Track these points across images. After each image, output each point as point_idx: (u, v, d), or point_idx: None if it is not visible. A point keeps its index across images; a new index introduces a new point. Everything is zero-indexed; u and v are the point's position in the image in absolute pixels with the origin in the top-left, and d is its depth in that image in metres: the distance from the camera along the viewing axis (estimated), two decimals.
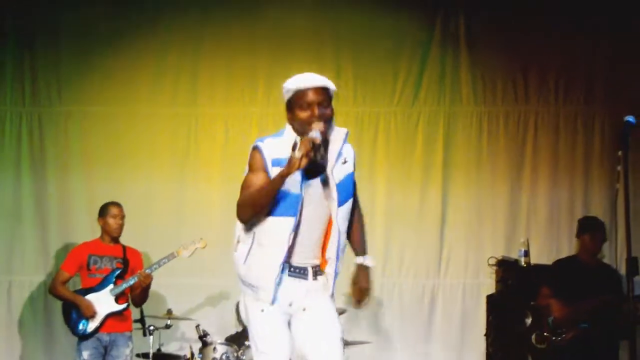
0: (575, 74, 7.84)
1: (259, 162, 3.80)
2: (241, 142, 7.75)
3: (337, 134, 3.87)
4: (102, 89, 7.94)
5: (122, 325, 6.60)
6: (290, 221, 3.76)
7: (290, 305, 3.88)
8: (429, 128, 7.83)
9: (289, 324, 3.93)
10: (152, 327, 6.65)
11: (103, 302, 6.53)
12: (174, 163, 7.86)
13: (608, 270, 6.85)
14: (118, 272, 6.62)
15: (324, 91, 3.78)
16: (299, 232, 3.81)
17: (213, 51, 7.94)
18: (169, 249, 6.75)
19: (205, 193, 7.76)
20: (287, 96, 3.82)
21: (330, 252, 3.89)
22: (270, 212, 3.76)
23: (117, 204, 6.80)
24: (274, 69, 7.69)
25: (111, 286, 6.57)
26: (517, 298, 6.85)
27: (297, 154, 3.55)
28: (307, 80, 3.79)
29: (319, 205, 3.84)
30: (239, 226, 3.88)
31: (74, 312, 6.55)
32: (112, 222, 6.72)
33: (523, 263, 7.16)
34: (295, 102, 3.78)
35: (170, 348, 7.15)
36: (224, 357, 6.33)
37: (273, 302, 3.82)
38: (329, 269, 3.91)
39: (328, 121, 3.78)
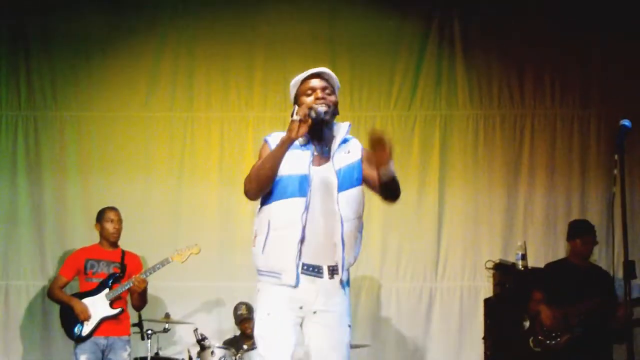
0: (570, 77, 7.84)
1: (266, 151, 3.98)
2: (237, 146, 7.78)
3: (341, 128, 4.07)
4: (97, 93, 7.92)
5: (119, 329, 6.61)
6: (300, 202, 3.87)
7: (301, 308, 3.91)
8: (425, 131, 7.84)
9: (301, 325, 3.96)
10: (150, 331, 6.65)
11: (98, 306, 6.56)
12: (170, 167, 7.85)
13: (599, 272, 6.87)
14: (115, 276, 6.64)
15: (326, 78, 4.00)
16: (310, 216, 3.88)
17: (209, 55, 7.94)
18: (166, 253, 6.75)
19: (201, 197, 7.76)
20: (293, 92, 4.03)
21: (336, 237, 3.92)
22: (278, 197, 3.90)
23: (114, 209, 6.82)
24: (270, 73, 7.70)
25: (107, 290, 6.59)
26: (514, 302, 6.85)
27: (296, 117, 3.75)
28: (311, 71, 4.01)
29: (323, 191, 3.93)
30: (255, 222, 3.99)
31: (69, 316, 6.59)
32: (108, 226, 6.74)
33: (520, 266, 7.17)
34: (301, 92, 3.99)
35: (168, 352, 7.14)
36: None
37: (297, 283, 3.86)
38: (337, 257, 3.92)
39: (331, 106, 3.96)
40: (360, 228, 4.05)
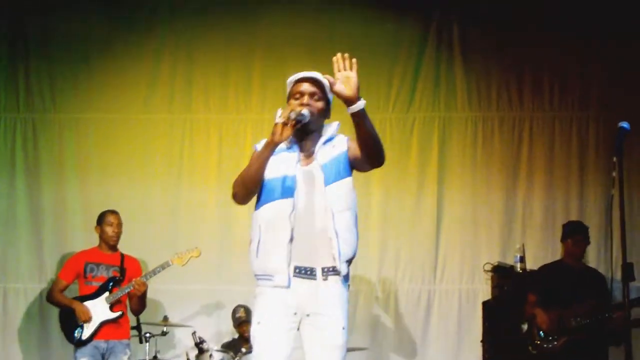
0: (569, 79, 7.84)
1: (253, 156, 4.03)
2: (236, 149, 7.77)
3: (329, 127, 4.10)
4: (96, 95, 7.92)
5: (119, 333, 6.61)
6: (287, 203, 3.89)
7: (295, 314, 3.91)
8: (424, 134, 7.83)
9: (299, 329, 3.96)
10: (148, 334, 6.65)
11: (98, 310, 6.55)
12: (169, 169, 7.85)
13: (593, 273, 6.88)
14: (115, 280, 6.63)
15: (316, 84, 4.01)
16: (299, 216, 3.89)
17: (208, 57, 7.94)
18: (165, 255, 6.75)
19: (200, 199, 7.75)
20: (289, 87, 4.06)
21: (330, 231, 3.90)
22: (267, 199, 3.94)
23: (114, 212, 6.81)
24: (268, 76, 7.70)
25: (107, 294, 6.58)
26: (513, 304, 6.85)
27: (278, 120, 3.78)
28: (304, 74, 4.03)
29: (314, 189, 3.94)
30: (251, 227, 3.99)
31: (69, 320, 6.58)
32: (108, 230, 6.74)
33: (519, 269, 7.16)
34: (290, 93, 4.02)
35: (166, 355, 7.13)
36: None
37: (289, 284, 3.87)
38: (334, 251, 3.90)
39: (317, 113, 3.99)
40: (354, 221, 4.01)
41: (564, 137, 7.79)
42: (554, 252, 7.29)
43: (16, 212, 7.79)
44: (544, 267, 6.94)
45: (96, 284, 6.64)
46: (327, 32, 7.88)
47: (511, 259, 7.29)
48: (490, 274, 7.42)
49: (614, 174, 4.19)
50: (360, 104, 3.80)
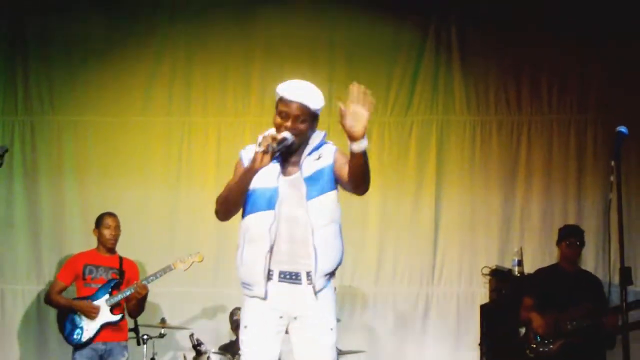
0: (568, 82, 7.85)
1: (238, 167, 4.06)
2: (234, 151, 7.61)
3: (316, 136, 4.06)
4: (94, 97, 7.93)
5: (118, 335, 6.61)
6: (268, 215, 3.92)
7: (281, 317, 3.96)
8: (422, 137, 7.84)
9: (287, 331, 4.00)
10: (145, 336, 6.65)
11: (99, 312, 6.54)
12: (168, 171, 7.85)
13: (589, 276, 6.89)
14: (114, 282, 6.63)
15: (304, 107, 3.92)
16: (281, 227, 3.92)
17: (206, 60, 7.94)
18: (162, 258, 6.76)
19: (198, 202, 7.74)
20: (276, 97, 4.00)
21: (310, 246, 3.93)
22: (250, 210, 3.96)
23: (112, 215, 6.81)
24: (267, 78, 7.69)
25: (107, 296, 6.57)
26: (510, 308, 6.85)
27: (259, 149, 3.76)
28: (292, 92, 3.94)
29: (296, 200, 3.94)
30: (239, 234, 4.04)
31: (68, 322, 6.56)
32: (106, 233, 6.73)
33: (517, 273, 7.17)
34: (279, 105, 3.97)
35: (164, 357, 7.14)
36: None
37: (265, 296, 3.92)
38: (311, 267, 3.93)
39: (301, 135, 3.94)
40: (337, 233, 4.03)
41: (562, 141, 7.79)
42: (551, 256, 7.29)
43: (14, 214, 7.79)
44: (540, 271, 6.94)
45: (95, 286, 6.62)
46: (326, 35, 7.89)
47: (509, 262, 7.30)
48: (488, 277, 7.43)
49: (612, 178, 4.20)
50: (364, 144, 3.68)
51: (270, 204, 3.92)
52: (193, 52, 7.93)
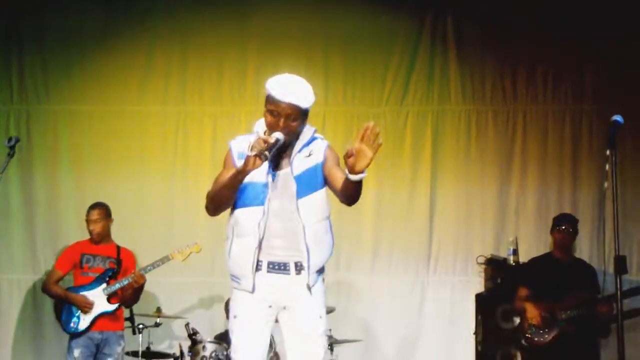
0: (563, 72, 7.85)
1: (228, 159, 4.03)
2: (230, 140, 7.75)
3: (307, 132, 4.03)
4: (90, 87, 7.91)
5: (114, 324, 6.62)
6: (258, 210, 3.92)
7: (270, 307, 3.98)
8: (417, 127, 7.84)
9: (277, 320, 4.03)
10: (141, 326, 6.65)
11: (96, 301, 6.55)
12: (163, 161, 7.85)
13: (583, 265, 6.91)
14: (111, 272, 6.63)
15: (295, 106, 3.89)
16: (270, 222, 3.93)
17: (202, 49, 7.93)
18: (158, 248, 6.76)
19: (194, 191, 7.71)
20: (266, 92, 3.96)
21: (300, 243, 3.95)
22: (240, 205, 3.96)
23: (96, 207, 6.76)
24: (263, 68, 7.66)
25: (104, 285, 6.58)
26: (505, 297, 6.87)
27: (251, 153, 3.71)
28: (283, 91, 3.89)
29: (286, 196, 3.95)
30: (227, 225, 4.04)
31: (65, 311, 6.57)
32: (88, 225, 6.73)
33: (512, 262, 7.19)
34: (269, 103, 3.93)
35: (159, 346, 7.14)
36: (213, 355, 6.33)
37: (253, 290, 3.93)
38: (304, 262, 3.96)
39: (292, 132, 3.92)
40: (327, 229, 4.05)
41: (558, 130, 7.80)
42: (547, 245, 7.31)
43: (9, 204, 7.78)
44: (534, 261, 6.96)
45: (92, 275, 6.64)
46: (322, 25, 7.88)
47: (504, 252, 7.31)
48: (483, 266, 7.44)
49: (607, 166, 4.21)
50: (362, 176, 3.64)
51: (259, 199, 3.92)
52: (188, 41, 7.91)
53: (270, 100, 3.91)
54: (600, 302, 6.37)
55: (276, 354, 6.35)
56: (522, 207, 7.73)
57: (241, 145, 3.95)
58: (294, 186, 3.94)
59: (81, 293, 6.57)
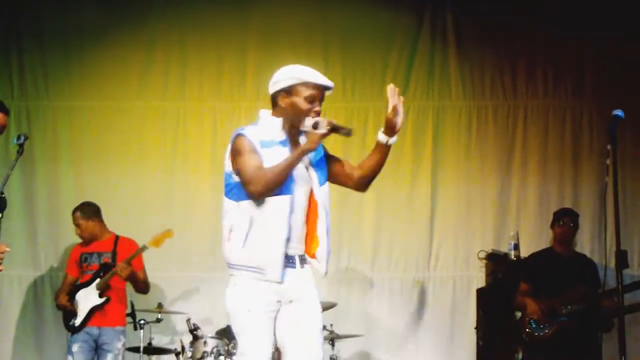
0: (563, 67, 7.85)
1: (248, 144, 3.92)
2: (230, 136, 7.71)
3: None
4: (90, 83, 7.92)
5: (109, 319, 6.64)
6: (287, 199, 3.88)
7: (278, 301, 3.95)
8: (418, 122, 7.83)
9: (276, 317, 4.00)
10: (142, 321, 6.65)
11: (90, 297, 6.62)
12: (163, 157, 7.85)
13: (583, 260, 6.91)
14: (106, 266, 6.66)
15: (325, 91, 3.97)
16: (294, 213, 3.92)
17: (202, 45, 7.93)
18: None
19: (194, 186, 7.75)
20: (289, 82, 3.95)
21: (320, 229, 3.97)
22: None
23: (75, 210, 6.83)
24: (262, 63, 7.67)
25: (97, 280, 6.62)
26: (507, 292, 6.87)
27: (322, 130, 3.81)
28: (319, 77, 3.94)
29: (302, 186, 3.95)
30: (231, 216, 3.94)
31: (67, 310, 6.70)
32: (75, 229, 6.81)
33: (513, 257, 7.19)
34: (300, 91, 3.92)
35: (160, 342, 7.14)
36: (214, 350, 6.32)
37: (282, 278, 3.89)
38: (320, 250, 3.98)
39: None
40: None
41: (558, 125, 7.80)
42: (548, 240, 7.31)
43: (10, 200, 7.71)
44: (534, 255, 6.96)
45: (90, 272, 6.70)
46: (322, 20, 7.89)
47: (505, 247, 7.32)
48: (484, 261, 7.45)
49: (607, 161, 4.21)
50: (395, 139, 3.94)
51: (287, 189, 3.87)
52: (188, 36, 7.91)
53: (304, 86, 3.92)
54: (604, 296, 6.34)
55: (277, 349, 6.35)
56: (522, 202, 7.73)
57: (259, 136, 3.92)
58: (315, 174, 3.97)
59: (81, 291, 6.65)
